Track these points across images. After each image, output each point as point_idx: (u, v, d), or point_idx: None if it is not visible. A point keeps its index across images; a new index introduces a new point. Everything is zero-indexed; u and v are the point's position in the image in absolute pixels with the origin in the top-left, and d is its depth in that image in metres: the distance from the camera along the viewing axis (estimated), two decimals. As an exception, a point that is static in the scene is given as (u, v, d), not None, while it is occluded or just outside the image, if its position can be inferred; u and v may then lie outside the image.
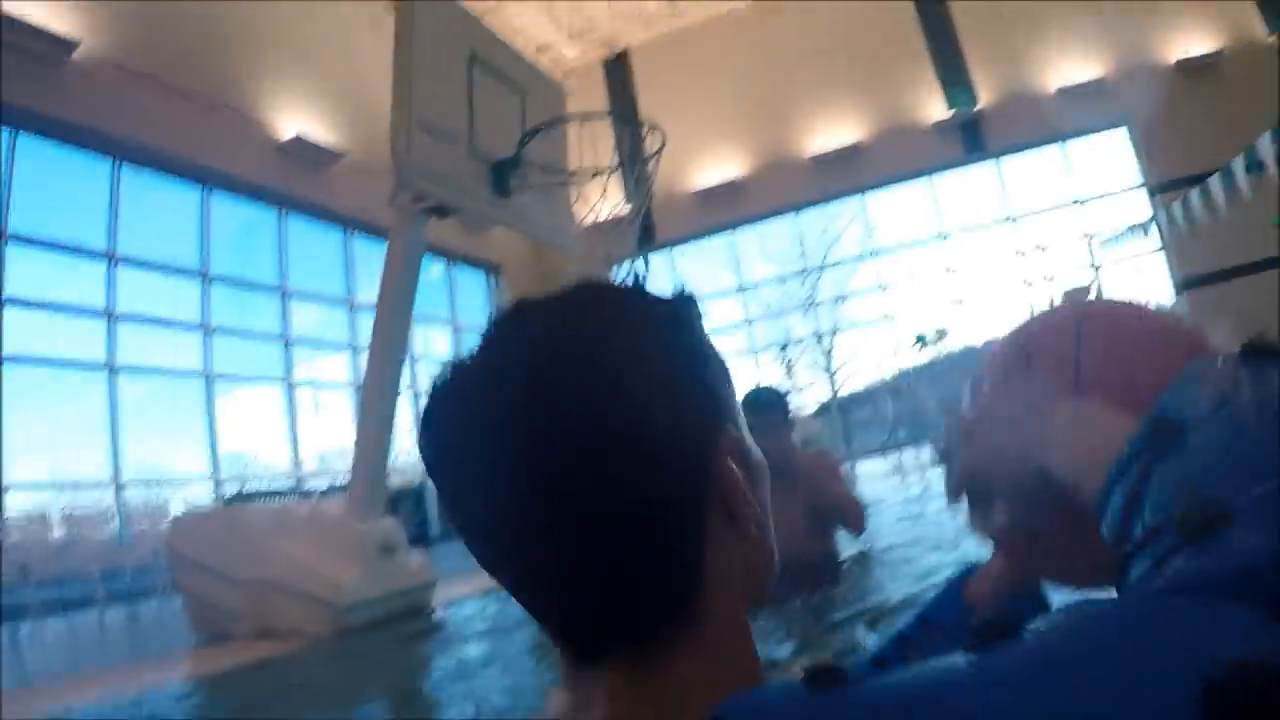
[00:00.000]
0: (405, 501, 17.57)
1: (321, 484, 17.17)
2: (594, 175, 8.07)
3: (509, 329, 0.83)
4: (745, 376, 24.52)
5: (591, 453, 0.75)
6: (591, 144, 8.10)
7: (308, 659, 5.62)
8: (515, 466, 0.76)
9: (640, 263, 22.39)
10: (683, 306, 0.89)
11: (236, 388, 17.09)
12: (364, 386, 7.91)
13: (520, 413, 0.76)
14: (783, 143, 24.92)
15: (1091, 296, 17.04)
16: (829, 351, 25.27)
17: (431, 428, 0.82)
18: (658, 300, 0.89)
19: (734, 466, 0.82)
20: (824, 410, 25.06)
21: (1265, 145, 11.27)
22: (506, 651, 5.08)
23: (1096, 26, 23.07)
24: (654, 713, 0.76)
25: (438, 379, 0.83)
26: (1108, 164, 23.87)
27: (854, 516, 4.86)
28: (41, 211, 13.48)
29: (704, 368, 0.87)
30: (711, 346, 0.91)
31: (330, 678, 5.15)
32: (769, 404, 4.73)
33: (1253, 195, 12.64)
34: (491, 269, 24.24)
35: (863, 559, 5.19)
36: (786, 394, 4.92)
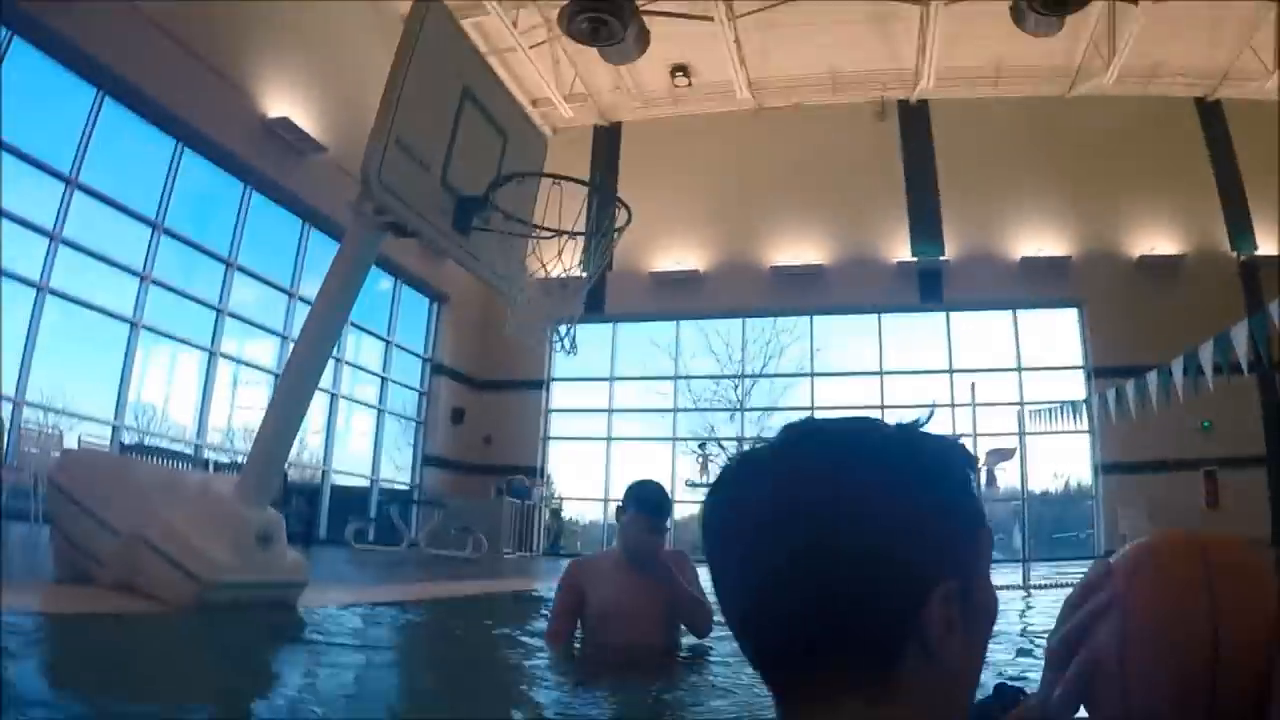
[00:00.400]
0: (299, 497, 17.58)
1: (220, 458, 17.07)
2: (556, 235, 8.22)
3: (796, 445, 1.08)
4: (660, 464, 24.74)
5: (821, 569, 0.98)
6: (559, 203, 8.27)
7: (170, 623, 5.61)
8: (765, 554, 1.01)
9: (575, 329, 22.54)
10: (955, 459, 1.08)
11: (159, 343, 17.00)
12: (283, 375, 8.03)
13: (782, 520, 1.01)
14: (747, 247, 25.41)
15: (1014, 460, 17.36)
16: (746, 457, 25.53)
17: (716, 505, 1.10)
18: (931, 450, 1.07)
19: (944, 611, 0.99)
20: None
21: (1207, 352, 11.61)
22: (366, 662, 5.19)
23: (1069, 210, 23.97)
24: None
25: (734, 461, 1.11)
26: (1053, 339, 24.75)
27: (702, 619, 5.16)
28: (13, 119, 13.14)
29: (944, 523, 1.03)
30: (968, 498, 1.08)
31: (189, 646, 5.17)
32: (651, 502, 5.07)
33: (1186, 398, 13.05)
34: (438, 297, 24.35)
35: (700, 651, 5.43)
36: (669, 498, 5.19)
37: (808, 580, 0.98)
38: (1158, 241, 23.97)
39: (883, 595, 0.98)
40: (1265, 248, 23.67)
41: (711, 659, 5.31)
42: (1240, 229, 23.94)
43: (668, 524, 5.20)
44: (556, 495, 25.84)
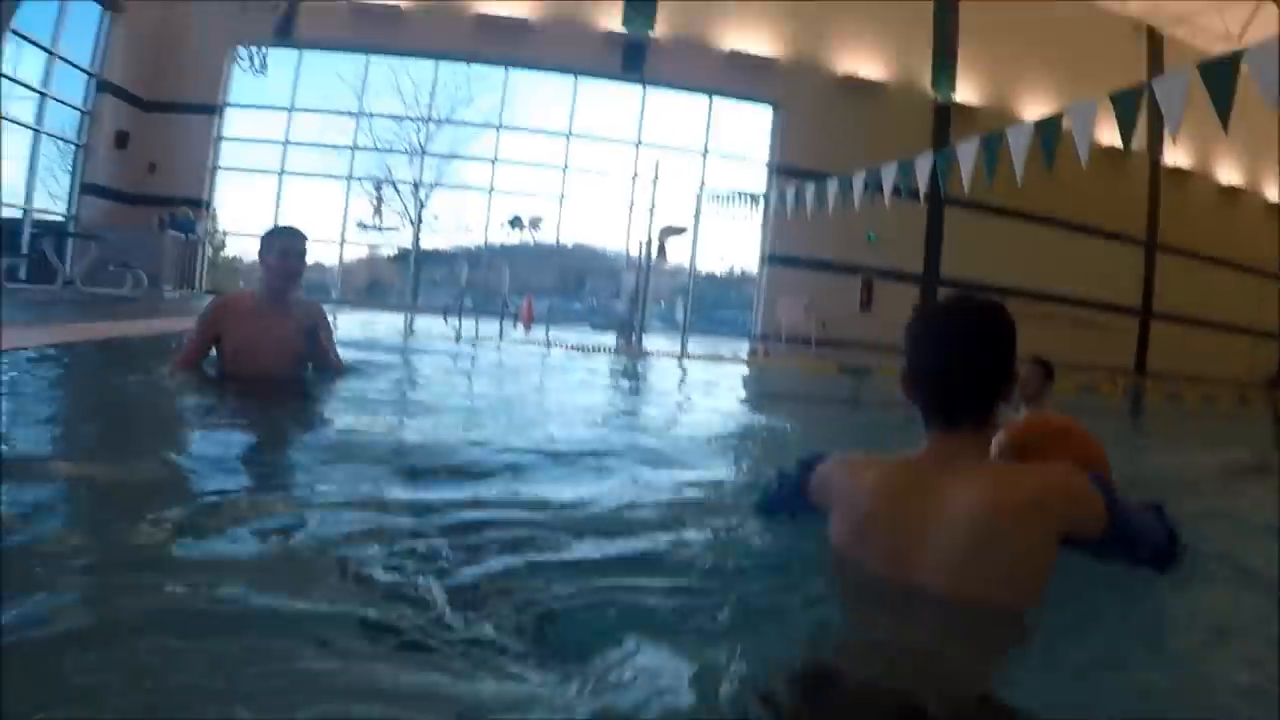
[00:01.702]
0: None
1: None
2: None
3: (974, 302, 2.60)
4: (333, 203, 24.72)
5: (1002, 354, 2.54)
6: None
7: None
8: (981, 349, 2.53)
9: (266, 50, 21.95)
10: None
11: None
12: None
13: (988, 332, 2.55)
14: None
15: (684, 238, 18.45)
16: (423, 204, 25.74)
17: (938, 332, 2.61)
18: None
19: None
20: (403, 257, 25.64)
21: (890, 171, 12.65)
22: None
23: (783, 14, 24.95)
24: (983, 449, 2.57)
25: (935, 308, 2.76)
26: (744, 133, 26.64)
27: (335, 360, 6.11)
28: None
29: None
30: None
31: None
32: (290, 230, 5.84)
33: (862, 208, 14.24)
34: (112, 4, 22.51)
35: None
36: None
37: (995, 366, 2.52)
38: (863, 64, 25.98)
39: (1009, 371, 2.54)
40: (962, 95, 26.64)
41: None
42: (944, 72, 26.65)
43: (303, 260, 5.75)
44: (221, 230, 25.15)
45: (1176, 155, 30.34)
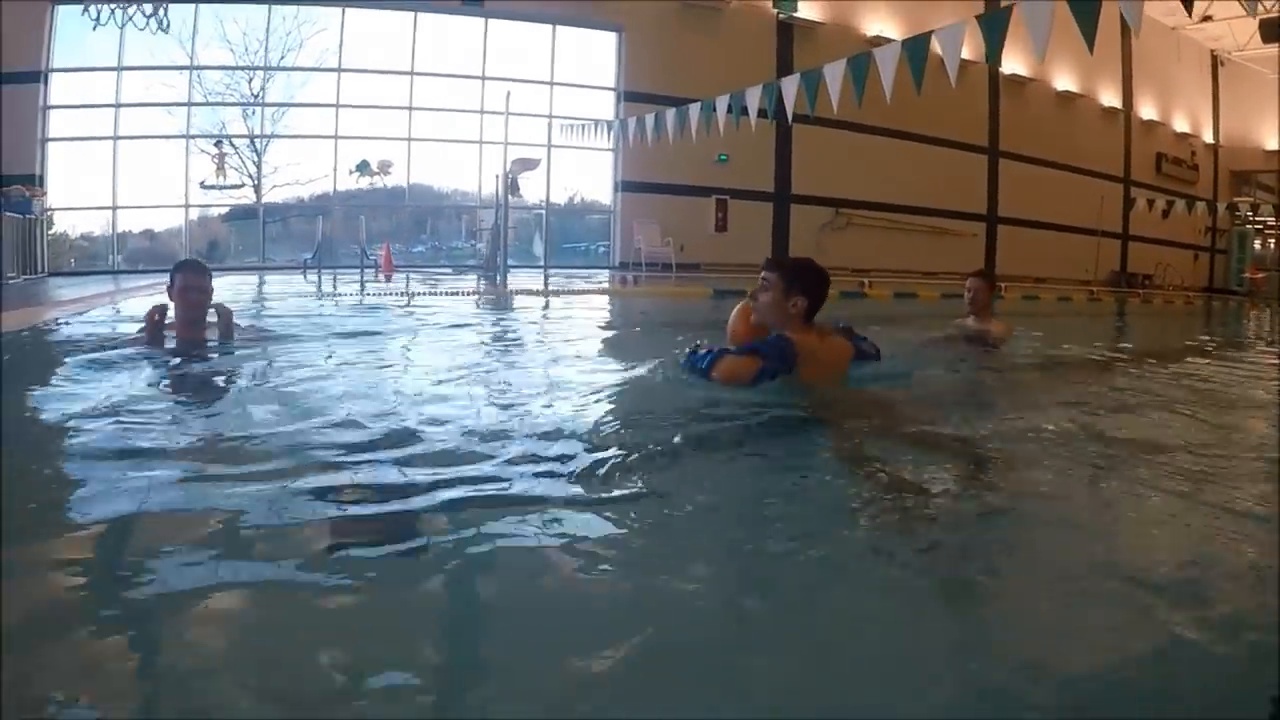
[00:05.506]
0: None
1: None
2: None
3: (780, 258, 5.81)
4: (174, 164, 24.15)
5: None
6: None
7: None
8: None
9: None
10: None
11: None
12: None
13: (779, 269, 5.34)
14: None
15: (540, 169, 19.00)
16: (261, 156, 25.49)
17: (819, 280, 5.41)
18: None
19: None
20: (243, 215, 25.33)
21: (754, 95, 13.16)
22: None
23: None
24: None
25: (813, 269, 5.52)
26: (589, 60, 27.30)
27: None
28: None
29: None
30: None
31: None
32: (198, 274, 6.35)
33: (727, 132, 14.85)
34: None
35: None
36: None
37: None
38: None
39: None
40: (804, 12, 27.86)
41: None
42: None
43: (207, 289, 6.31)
44: (48, 206, 23.67)
45: (1014, 64, 31.86)
